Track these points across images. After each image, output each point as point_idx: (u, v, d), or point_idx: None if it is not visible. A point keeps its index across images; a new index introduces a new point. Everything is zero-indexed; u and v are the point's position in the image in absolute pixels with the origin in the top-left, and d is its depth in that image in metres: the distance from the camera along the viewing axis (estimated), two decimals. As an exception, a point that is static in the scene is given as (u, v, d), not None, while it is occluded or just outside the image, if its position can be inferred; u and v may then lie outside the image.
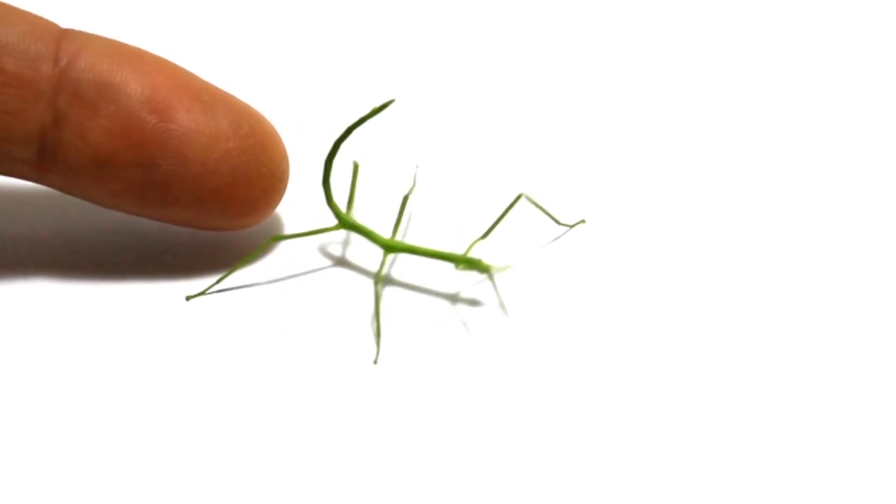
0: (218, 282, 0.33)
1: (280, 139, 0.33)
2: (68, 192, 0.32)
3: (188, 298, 0.32)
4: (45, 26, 0.31)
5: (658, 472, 0.29)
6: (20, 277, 0.33)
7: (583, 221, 0.35)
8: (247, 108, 0.32)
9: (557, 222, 0.34)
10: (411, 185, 0.36)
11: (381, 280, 0.33)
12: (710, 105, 0.40)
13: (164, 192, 0.31)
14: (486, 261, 0.33)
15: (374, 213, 0.35)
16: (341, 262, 0.34)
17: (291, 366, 0.31)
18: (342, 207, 0.35)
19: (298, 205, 0.35)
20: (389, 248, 0.33)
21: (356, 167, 0.35)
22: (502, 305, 0.30)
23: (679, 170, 0.37)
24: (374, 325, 0.32)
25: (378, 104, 0.35)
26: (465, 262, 0.32)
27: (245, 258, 0.33)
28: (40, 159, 0.31)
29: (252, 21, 0.43)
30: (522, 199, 0.35)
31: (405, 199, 0.34)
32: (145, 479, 0.28)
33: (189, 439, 0.29)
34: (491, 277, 0.31)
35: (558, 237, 0.35)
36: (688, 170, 0.37)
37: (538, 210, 0.35)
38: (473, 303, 0.32)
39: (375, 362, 0.31)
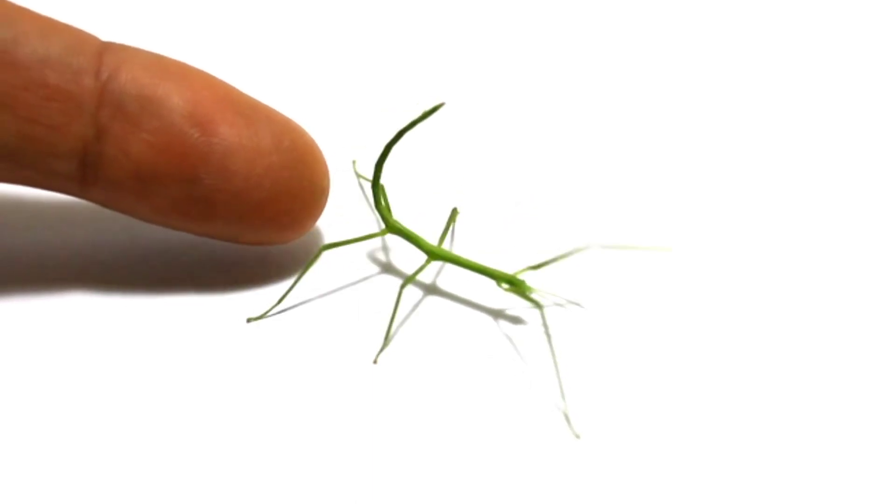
0: (280, 300, 0.32)
1: (321, 152, 0.33)
2: (110, 207, 0.32)
3: (249, 321, 0.32)
4: (87, 40, 0.31)
5: (665, 478, 0.28)
6: (62, 290, 0.33)
7: (668, 249, 0.34)
8: (288, 121, 0.32)
9: (641, 249, 0.34)
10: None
11: (411, 282, 0.32)
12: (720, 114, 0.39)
13: (206, 207, 0.31)
14: (528, 282, 0.33)
15: (413, 219, 0.35)
16: (387, 267, 0.34)
17: (319, 364, 0.31)
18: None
19: (333, 214, 0.36)
20: (434, 255, 0.32)
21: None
22: (545, 327, 0.30)
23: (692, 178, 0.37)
24: (388, 325, 0.32)
25: (428, 107, 0.34)
26: (508, 281, 0.31)
27: (302, 269, 0.33)
28: (82, 174, 0.31)
29: (290, 34, 0.43)
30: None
31: (453, 211, 0.33)
32: (144, 479, 0.28)
33: (188, 438, 0.29)
34: (531, 300, 0.30)
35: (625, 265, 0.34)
36: (695, 176, 0.37)
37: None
38: (515, 320, 0.32)
39: (375, 362, 0.31)
